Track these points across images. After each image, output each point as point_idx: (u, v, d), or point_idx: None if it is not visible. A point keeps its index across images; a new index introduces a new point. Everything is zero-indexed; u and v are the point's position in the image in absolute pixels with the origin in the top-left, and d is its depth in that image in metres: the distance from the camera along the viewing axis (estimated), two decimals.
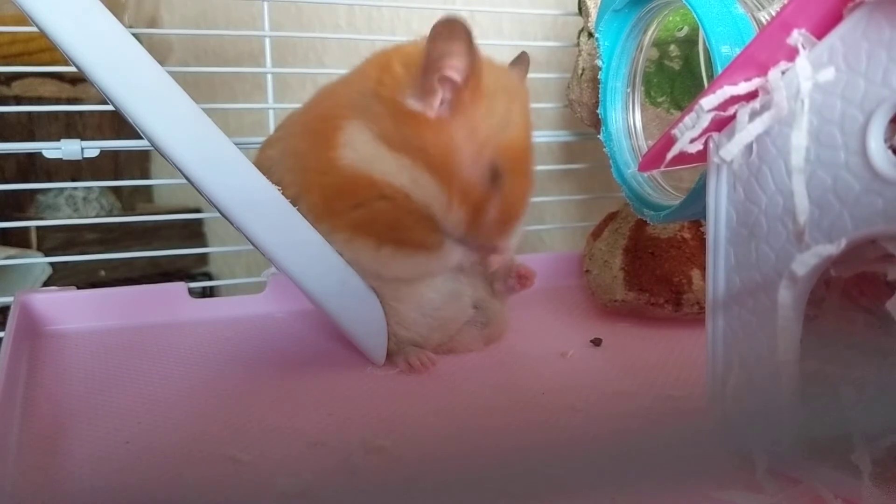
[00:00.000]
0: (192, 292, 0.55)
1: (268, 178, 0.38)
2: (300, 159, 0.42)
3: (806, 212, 0.27)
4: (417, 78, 0.37)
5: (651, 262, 0.52)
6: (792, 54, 0.27)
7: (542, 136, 0.68)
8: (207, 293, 1.07)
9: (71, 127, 1.24)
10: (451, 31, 0.36)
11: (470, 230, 0.40)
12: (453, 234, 0.40)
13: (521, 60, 0.46)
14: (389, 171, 0.38)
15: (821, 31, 0.27)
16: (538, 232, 0.77)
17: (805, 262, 0.27)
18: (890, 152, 0.25)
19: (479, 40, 0.82)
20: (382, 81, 0.38)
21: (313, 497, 0.28)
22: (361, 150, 0.39)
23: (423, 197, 0.39)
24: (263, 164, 0.44)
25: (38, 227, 1.09)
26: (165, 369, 0.44)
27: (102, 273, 1.15)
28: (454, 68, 0.37)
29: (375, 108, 0.38)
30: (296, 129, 0.44)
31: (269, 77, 0.64)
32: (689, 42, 0.51)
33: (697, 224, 0.53)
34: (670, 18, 0.49)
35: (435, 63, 0.36)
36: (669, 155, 0.30)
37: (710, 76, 0.49)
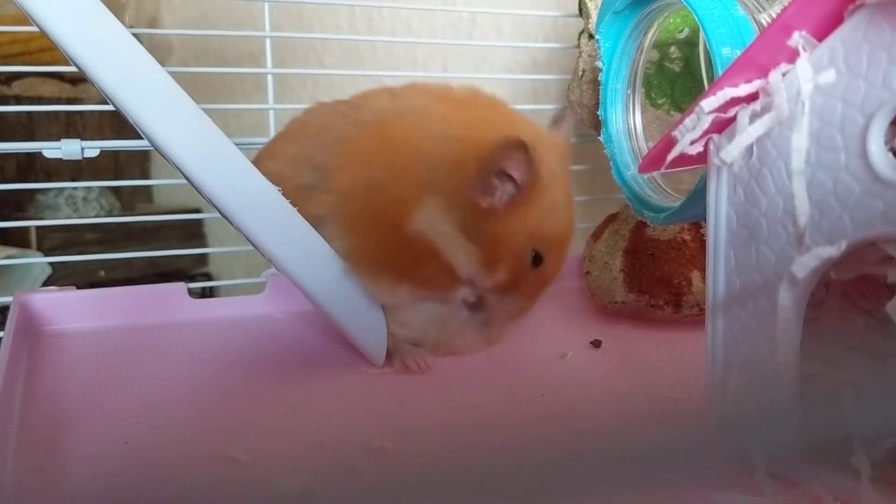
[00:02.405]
0: (191, 293, 0.55)
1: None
2: (354, 206, 0.41)
3: (806, 214, 0.27)
4: (482, 178, 0.40)
5: (651, 264, 0.52)
6: (793, 56, 0.27)
7: None
8: (207, 294, 1.07)
9: (71, 127, 1.24)
10: (512, 148, 0.39)
11: (500, 293, 0.43)
12: (478, 288, 0.43)
13: (563, 118, 0.47)
14: (450, 244, 0.41)
15: (821, 34, 0.27)
16: None
17: (805, 265, 0.27)
18: (890, 155, 0.25)
19: (480, 42, 0.83)
20: (459, 179, 0.40)
21: (312, 497, 0.28)
22: (430, 225, 0.41)
23: (464, 262, 0.42)
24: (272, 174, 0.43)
25: (37, 227, 1.09)
26: (164, 370, 0.44)
27: (102, 273, 1.15)
28: (515, 171, 0.40)
29: (448, 190, 0.41)
30: (350, 171, 0.42)
31: (270, 78, 0.64)
32: (690, 44, 0.51)
33: (697, 226, 0.52)
34: (671, 20, 0.49)
35: (495, 168, 0.39)
36: (670, 157, 0.30)
37: (711, 78, 0.49)
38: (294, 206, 0.40)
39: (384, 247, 0.41)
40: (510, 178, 0.40)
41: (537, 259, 0.42)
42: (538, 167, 0.40)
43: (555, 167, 0.42)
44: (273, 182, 0.40)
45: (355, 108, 0.45)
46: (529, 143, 0.39)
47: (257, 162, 0.47)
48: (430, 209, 0.41)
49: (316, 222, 0.41)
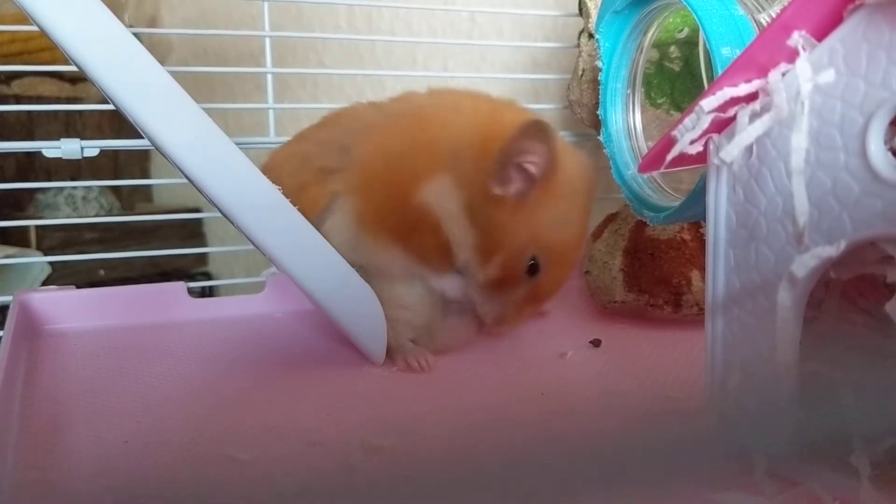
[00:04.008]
0: (191, 292, 0.55)
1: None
2: (370, 171, 0.43)
3: (805, 213, 0.27)
4: (500, 167, 0.40)
5: (650, 264, 0.52)
6: (792, 56, 0.27)
7: None
8: (207, 293, 1.07)
9: (70, 126, 1.23)
10: (537, 132, 0.39)
11: (489, 293, 0.43)
12: (469, 277, 0.44)
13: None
14: (452, 222, 0.42)
15: (821, 33, 0.27)
16: None
17: (804, 264, 0.27)
18: (889, 154, 0.25)
19: (480, 41, 0.83)
20: (479, 164, 0.41)
21: (312, 497, 0.28)
22: (438, 198, 0.42)
23: (461, 243, 0.42)
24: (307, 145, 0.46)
25: (37, 227, 1.09)
26: (164, 369, 0.44)
27: (101, 272, 1.15)
28: (533, 164, 0.40)
29: (464, 172, 0.41)
30: (373, 142, 0.43)
31: (270, 77, 0.64)
32: (690, 43, 0.51)
33: (697, 225, 0.53)
34: (671, 20, 0.49)
35: (515, 156, 0.40)
36: (669, 156, 0.30)
37: (710, 78, 0.49)
38: (314, 185, 0.42)
39: (388, 208, 0.42)
40: (527, 172, 0.40)
41: (534, 268, 0.42)
42: (557, 159, 0.40)
43: (577, 186, 0.43)
44: (297, 161, 0.43)
45: (392, 102, 0.47)
46: (551, 130, 0.40)
47: (286, 144, 0.50)
48: (440, 184, 0.41)
49: (333, 198, 0.43)
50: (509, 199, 0.41)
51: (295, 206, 0.39)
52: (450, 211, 0.42)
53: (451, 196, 0.41)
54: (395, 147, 0.42)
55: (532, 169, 0.40)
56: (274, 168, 0.47)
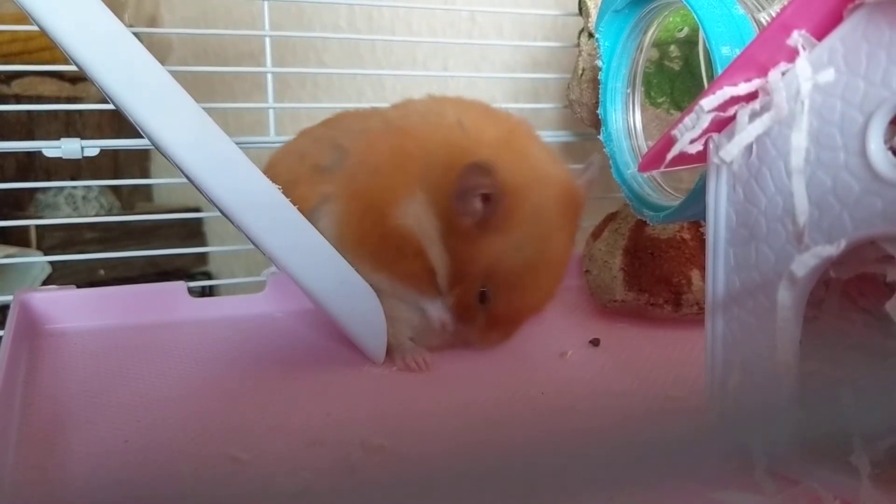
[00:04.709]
0: (191, 292, 0.55)
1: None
2: (355, 186, 0.42)
3: (805, 213, 0.27)
4: (459, 197, 0.40)
5: (650, 263, 0.52)
6: (792, 55, 0.27)
7: (543, 137, 0.68)
8: (207, 292, 1.07)
9: (71, 126, 1.23)
10: (477, 172, 0.39)
11: (454, 319, 0.44)
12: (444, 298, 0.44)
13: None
14: (432, 246, 0.42)
15: (821, 33, 0.27)
16: None
17: (804, 263, 0.27)
18: (889, 153, 0.25)
19: (480, 40, 0.83)
20: (446, 186, 0.40)
21: (312, 496, 0.28)
22: (418, 221, 0.42)
23: (439, 269, 0.42)
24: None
25: (37, 226, 1.09)
26: (164, 368, 0.44)
27: (102, 272, 1.15)
28: (481, 198, 0.40)
29: (436, 192, 0.41)
30: (360, 155, 0.43)
31: (270, 77, 0.64)
32: (690, 43, 0.51)
33: (697, 225, 0.53)
34: (671, 19, 0.49)
35: (464, 194, 0.40)
36: (669, 155, 0.30)
37: (710, 77, 0.49)
38: (306, 182, 0.42)
39: (370, 230, 0.42)
40: (480, 205, 0.40)
41: (483, 296, 0.41)
42: (506, 191, 0.39)
43: (547, 211, 0.41)
44: (293, 156, 0.43)
45: (392, 107, 0.47)
46: (495, 165, 0.39)
47: (288, 142, 0.51)
48: (418, 204, 0.41)
49: (322, 200, 0.42)
50: (470, 229, 0.40)
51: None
52: (428, 234, 0.41)
53: (428, 218, 0.41)
54: (375, 160, 0.42)
55: (480, 204, 0.40)
56: (274, 164, 0.47)
